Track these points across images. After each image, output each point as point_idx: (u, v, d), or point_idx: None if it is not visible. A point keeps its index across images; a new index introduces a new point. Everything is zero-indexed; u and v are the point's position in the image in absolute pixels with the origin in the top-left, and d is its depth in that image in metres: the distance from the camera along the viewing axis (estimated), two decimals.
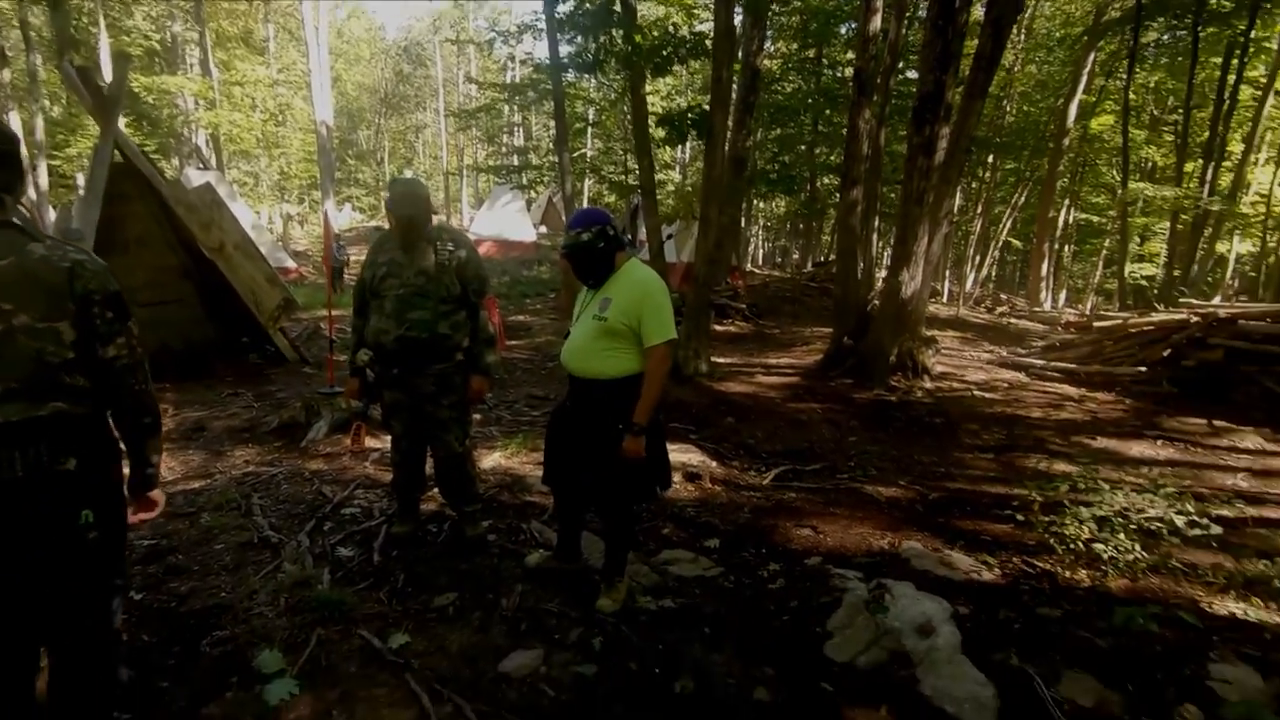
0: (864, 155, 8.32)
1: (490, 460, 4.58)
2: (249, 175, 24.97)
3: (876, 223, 10.32)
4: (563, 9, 8.30)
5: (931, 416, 6.21)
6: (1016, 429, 5.98)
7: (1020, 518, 3.65)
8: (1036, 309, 17.04)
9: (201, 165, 19.38)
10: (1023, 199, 20.46)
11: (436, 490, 3.49)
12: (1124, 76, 14.88)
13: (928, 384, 7.20)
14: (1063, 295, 22.64)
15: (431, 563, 3.11)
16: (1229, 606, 2.92)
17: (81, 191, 7.02)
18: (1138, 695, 2.34)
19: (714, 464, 4.79)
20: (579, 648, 2.56)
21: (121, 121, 6.79)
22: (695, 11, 14.88)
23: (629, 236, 16.12)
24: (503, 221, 22.41)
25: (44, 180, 20.75)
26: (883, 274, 10.50)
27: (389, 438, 3.31)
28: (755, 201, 24.99)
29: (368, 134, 44.39)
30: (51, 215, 16.83)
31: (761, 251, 35.55)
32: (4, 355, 1.47)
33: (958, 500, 4.29)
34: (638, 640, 2.62)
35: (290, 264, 18.34)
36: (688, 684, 2.36)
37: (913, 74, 12.87)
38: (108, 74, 10.86)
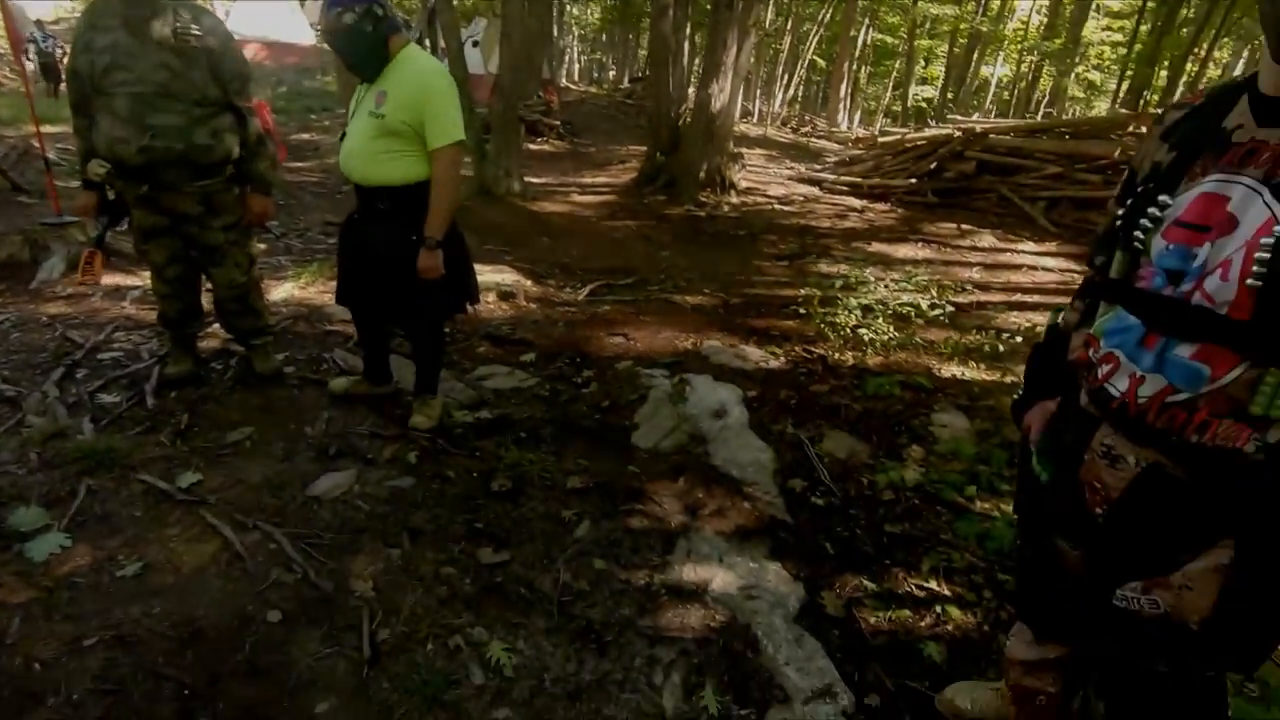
0: None
1: (282, 292, 4.17)
2: None
3: (689, 32, 9.96)
4: None
5: (736, 229, 6.56)
6: (807, 238, 6.53)
7: (803, 312, 4.10)
8: (834, 129, 18.06)
9: None
10: (828, 16, 20.77)
11: (217, 325, 3.13)
12: None
13: (734, 199, 7.52)
14: (857, 116, 24.12)
15: (220, 400, 2.87)
16: (952, 370, 3.59)
17: None
18: (879, 444, 2.86)
19: (529, 283, 4.76)
20: (393, 464, 2.57)
21: None
22: None
23: (428, 42, 14.26)
24: (271, 18, 18.60)
25: None
26: (694, 91, 10.39)
27: (146, 271, 2.84)
28: (568, 7, 22.95)
29: None
30: None
31: (578, 66, 33.39)
32: None
33: (755, 303, 4.69)
34: (454, 450, 2.68)
35: None
36: (505, 482, 2.49)
37: None
38: None
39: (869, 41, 22.73)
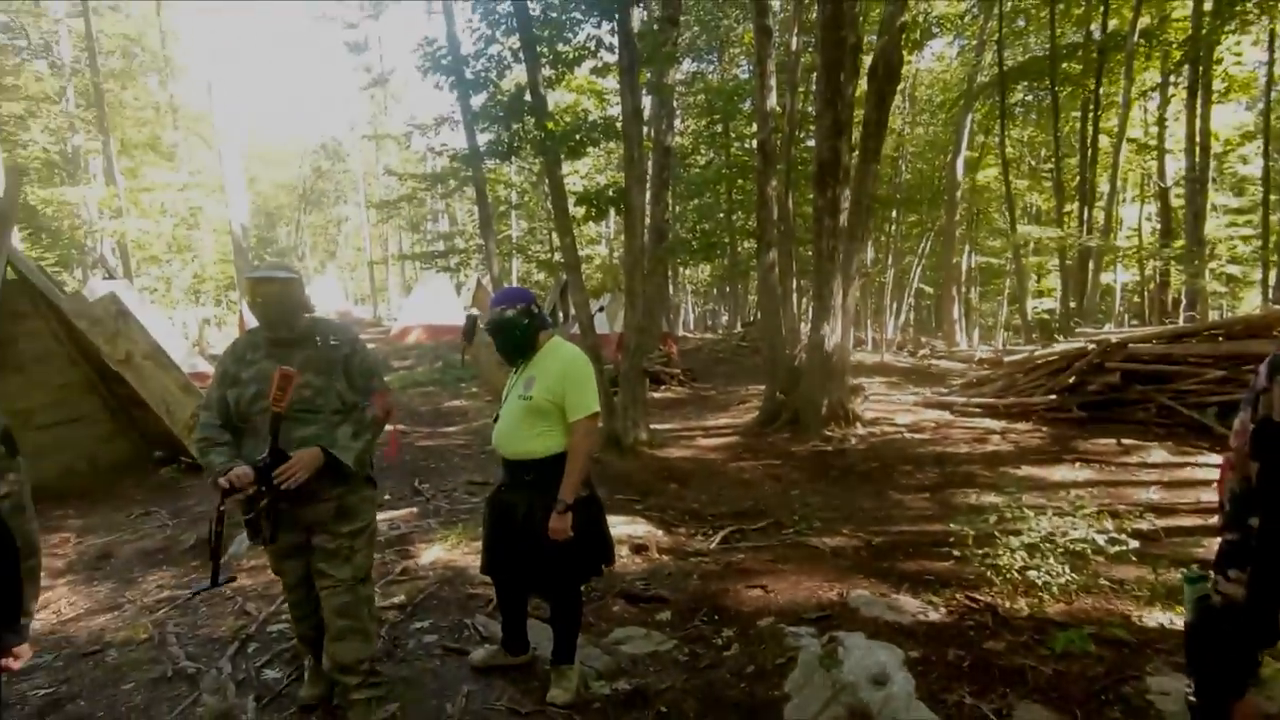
0: (775, 219, 8.78)
1: (429, 554, 4.40)
2: (160, 281, 24.09)
3: (795, 280, 10.81)
4: (476, 102, 8.58)
5: (867, 462, 6.37)
6: (947, 466, 6.20)
7: (957, 553, 3.74)
8: (954, 349, 17.97)
9: (107, 275, 18.58)
10: (927, 248, 21.91)
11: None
12: (999, 133, 16.40)
13: (860, 430, 7.42)
14: (975, 334, 24.02)
15: None
16: (1156, 618, 3.05)
17: None
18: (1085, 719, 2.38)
19: (660, 533, 4.74)
20: None
21: (16, 237, 6.49)
22: (606, 96, 15.66)
23: (560, 313, 16.27)
24: (432, 306, 22.21)
25: None
26: (806, 329, 10.93)
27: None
28: (681, 269, 25.78)
29: (287, 230, 43.82)
30: None
31: (692, 316, 36.42)
32: None
33: (900, 543, 4.37)
34: None
35: (206, 368, 17.57)
36: None
37: (812, 142, 13.84)
38: None
39: (974, 265, 23.46)
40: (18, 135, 22.38)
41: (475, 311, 15.25)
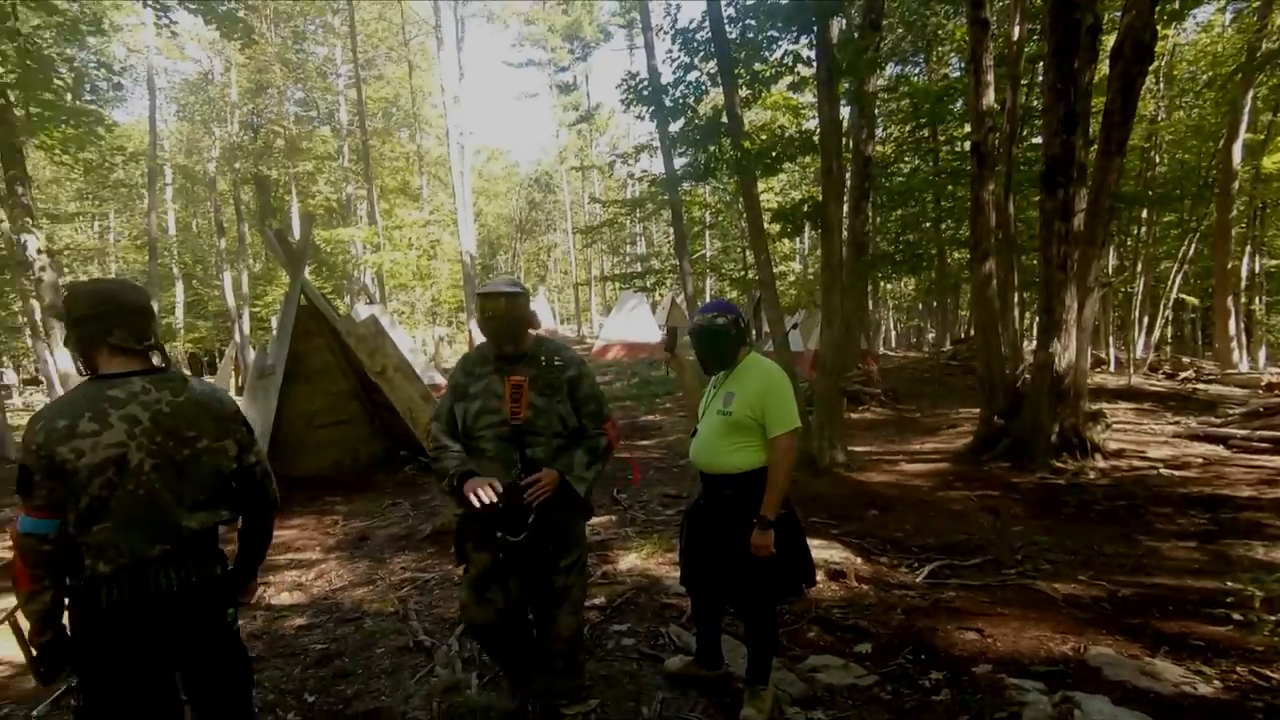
0: (992, 227, 7.99)
1: (626, 561, 4.59)
2: (406, 305, 28.00)
3: (1017, 293, 9.70)
4: (674, 128, 8.91)
5: (1111, 500, 5.51)
6: (1222, 511, 5.15)
7: (1238, 617, 3.09)
8: (1230, 371, 14.93)
9: (368, 300, 22.05)
10: (1191, 251, 18.48)
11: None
12: None
13: (1101, 463, 6.44)
14: (1261, 353, 19.74)
15: None
16: None
17: (275, 331, 8.19)
18: None
19: (859, 560, 4.50)
20: None
21: (306, 270, 7.95)
22: (802, 111, 15.41)
23: (753, 330, 16.17)
24: (629, 325, 23.31)
25: (246, 324, 24.38)
26: (1030, 346, 9.72)
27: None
28: (882, 284, 24.42)
29: (505, 257, 48.70)
30: (251, 354, 19.62)
31: (894, 333, 34.25)
32: (194, 472, 1.77)
33: (1156, 598, 3.71)
34: None
35: (441, 380, 20.05)
36: None
37: (1038, 140, 12.39)
38: (296, 232, 12.89)
39: (1258, 269, 19.36)
40: (309, 188, 27.44)
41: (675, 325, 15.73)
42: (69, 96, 10.41)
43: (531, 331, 2.55)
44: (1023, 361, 8.60)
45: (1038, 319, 7.25)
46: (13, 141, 8.55)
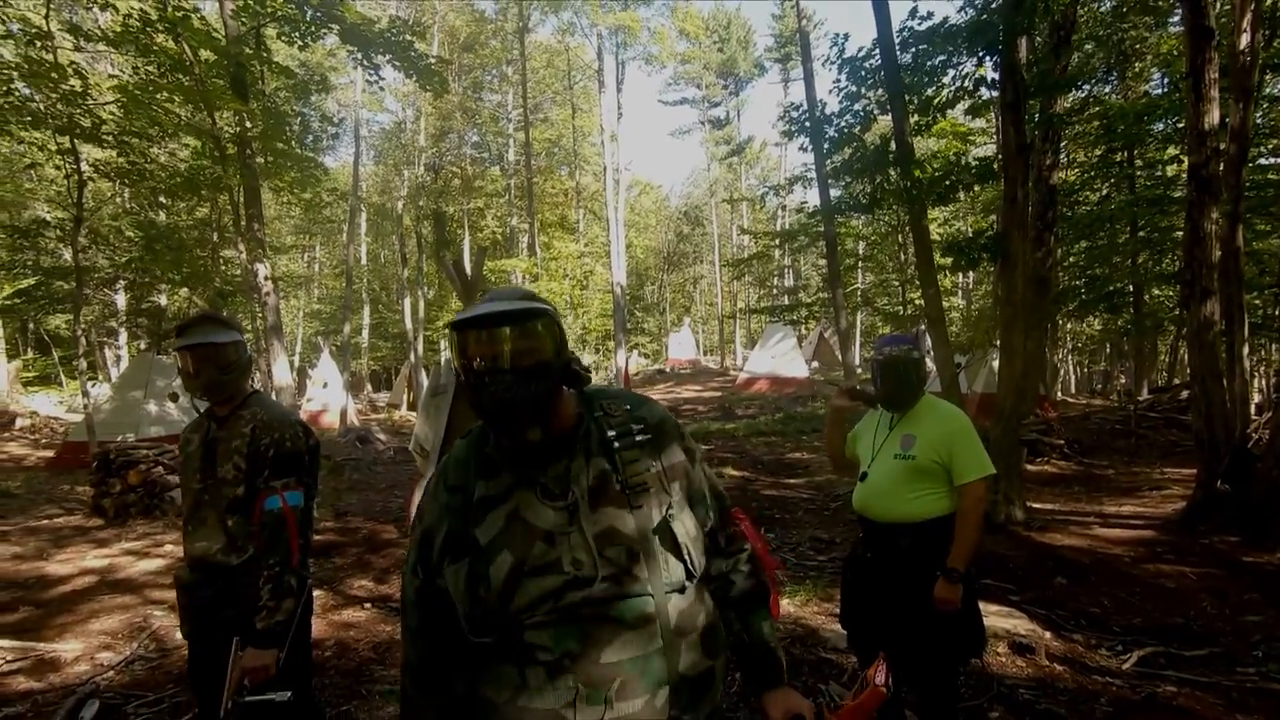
0: (1213, 261, 6.92)
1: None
2: None
3: (1244, 339, 8.27)
4: (836, 159, 8.67)
5: None
6: None
7: None
8: None
9: None
10: None
11: None
12: None
13: None
14: None
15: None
16: None
17: (445, 353, 8.85)
18: None
19: (1048, 634, 3.96)
20: None
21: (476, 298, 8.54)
22: (971, 138, 14.47)
23: None
24: (775, 359, 22.85)
25: (420, 346, 26.75)
26: (1259, 399, 8.25)
27: None
28: (1062, 323, 22.10)
29: (652, 288, 49.83)
30: (424, 376, 21.44)
31: (1073, 378, 30.77)
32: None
33: None
34: None
35: None
36: None
37: (1268, 161, 10.68)
38: (468, 263, 13.98)
39: None
40: (479, 222, 29.85)
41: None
42: (296, 145, 12.10)
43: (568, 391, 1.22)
44: (1252, 418, 7.32)
45: (1277, 369, 6.12)
46: (254, 185, 10.04)
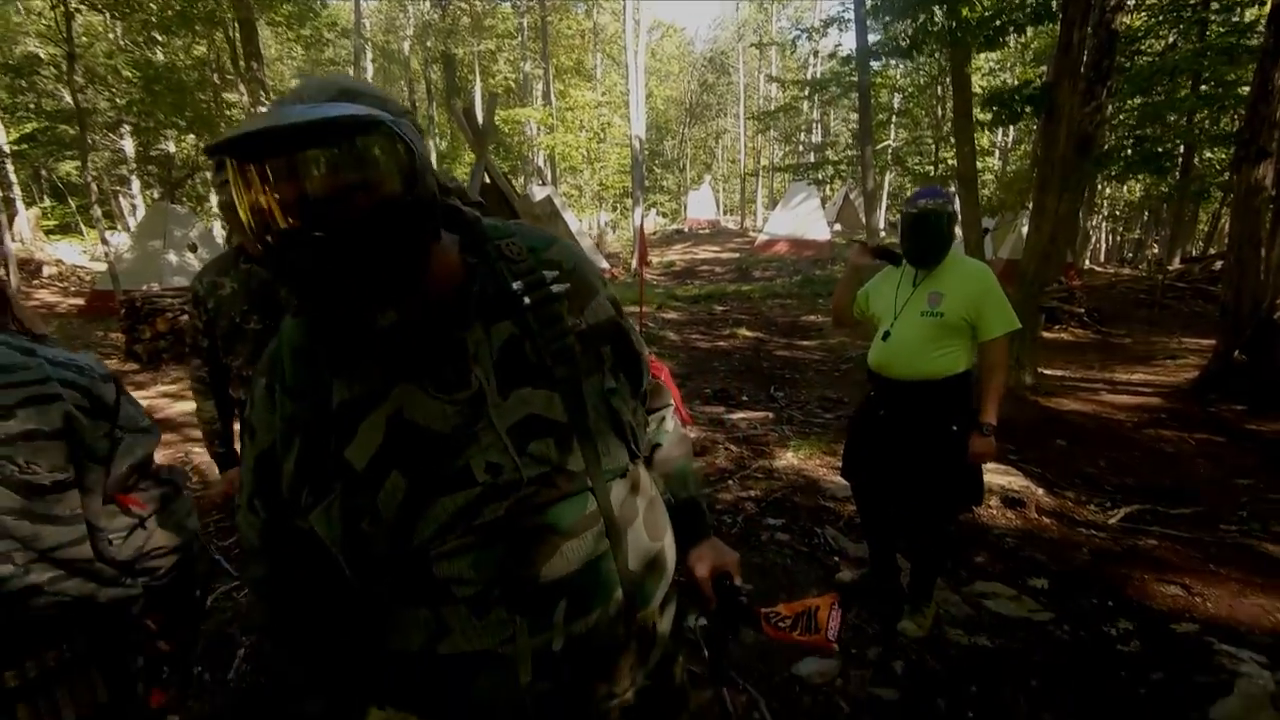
0: (1277, 119, 6.40)
1: (783, 459, 4.57)
2: (575, 188, 28.56)
3: None
4: None
5: None
6: None
7: None
8: None
9: (541, 181, 22.74)
10: None
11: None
12: None
13: None
14: None
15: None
16: None
17: None
18: None
19: (1040, 491, 4.13)
20: (878, 669, 2.41)
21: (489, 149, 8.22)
22: None
23: None
24: (797, 221, 22.19)
25: None
26: None
27: None
28: (1101, 187, 21.06)
29: (673, 144, 47.64)
30: None
31: (1104, 246, 29.80)
32: None
33: None
34: (945, 675, 2.37)
35: (605, 265, 20.59)
36: None
37: None
38: (479, 112, 13.34)
39: None
40: (490, 67, 28.11)
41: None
42: None
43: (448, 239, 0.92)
44: None
45: None
46: (249, 18, 9.41)
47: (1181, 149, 13.63)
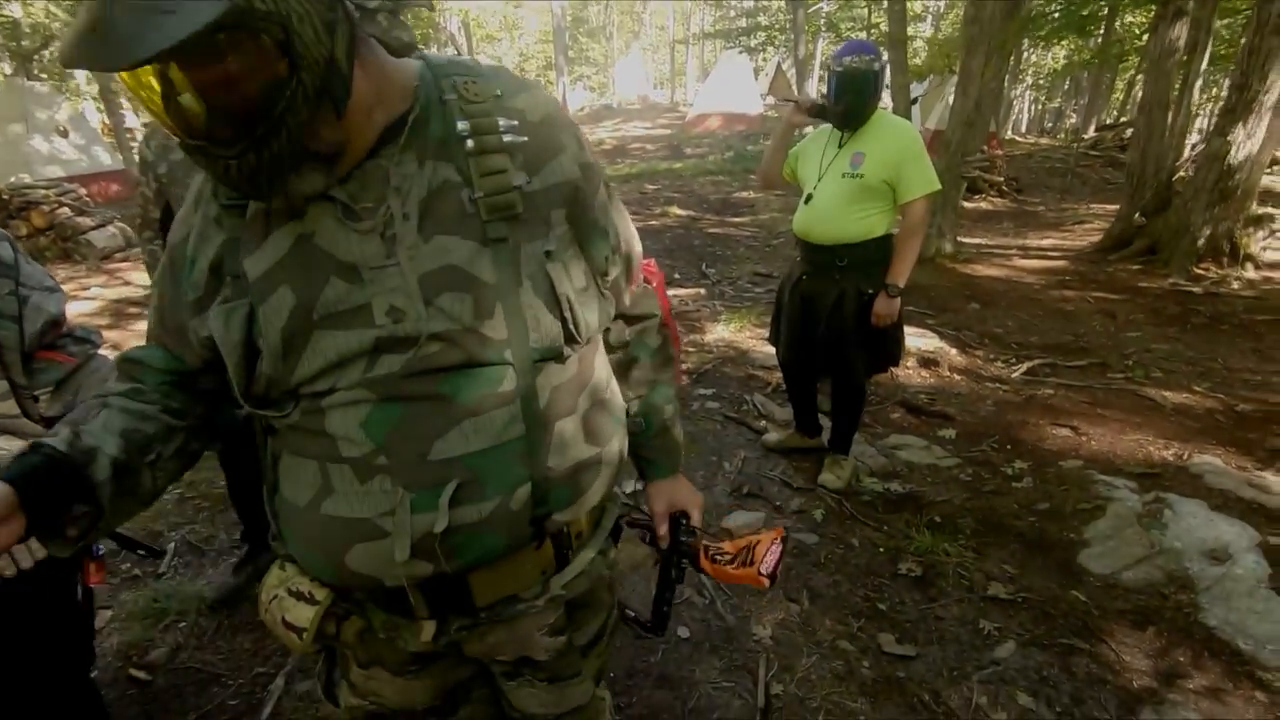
0: None
1: (714, 333, 4.65)
2: (494, 59, 26.54)
3: (1204, 67, 8.01)
4: None
5: (1252, 313, 5.02)
6: None
7: None
8: None
9: (456, 51, 20.95)
10: None
11: None
12: None
13: (1251, 274, 5.77)
14: None
15: None
16: None
17: None
18: None
19: (953, 351, 4.38)
20: (800, 516, 2.60)
21: None
22: None
23: None
24: (729, 93, 21.42)
25: None
26: (1197, 136, 8.32)
27: None
28: (1026, 54, 21.02)
29: (597, 8, 44.37)
30: None
31: (1026, 116, 30.24)
32: None
33: None
34: (860, 518, 2.58)
35: None
36: (913, 567, 2.29)
37: None
38: None
39: None
40: None
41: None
42: None
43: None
44: (1185, 153, 7.45)
45: (1224, 99, 6.08)
46: None
47: (1105, 12, 13.60)
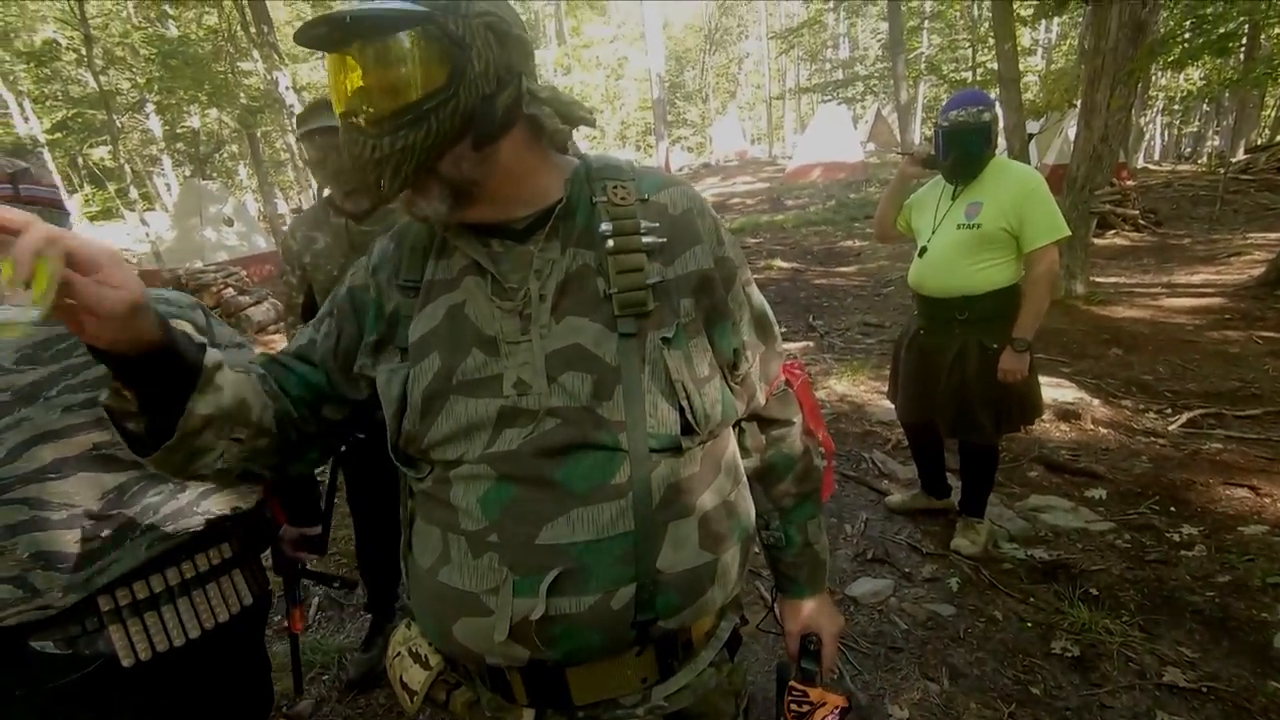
0: None
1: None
2: (596, 129, 28.00)
3: None
4: None
5: None
6: None
7: None
8: None
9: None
10: None
11: None
12: None
13: None
14: None
15: None
16: None
17: None
18: None
19: (1096, 402, 4.02)
20: (933, 585, 2.42)
21: None
22: None
23: None
24: (828, 143, 21.36)
25: None
26: None
27: None
28: (1156, 77, 19.65)
29: (694, 74, 45.95)
30: None
31: (1159, 143, 28.02)
32: None
33: None
34: (1001, 588, 2.37)
35: None
36: (1069, 646, 2.07)
37: None
38: None
39: None
40: None
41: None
42: None
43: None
44: None
45: None
46: None
47: (1247, 28, 12.52)
